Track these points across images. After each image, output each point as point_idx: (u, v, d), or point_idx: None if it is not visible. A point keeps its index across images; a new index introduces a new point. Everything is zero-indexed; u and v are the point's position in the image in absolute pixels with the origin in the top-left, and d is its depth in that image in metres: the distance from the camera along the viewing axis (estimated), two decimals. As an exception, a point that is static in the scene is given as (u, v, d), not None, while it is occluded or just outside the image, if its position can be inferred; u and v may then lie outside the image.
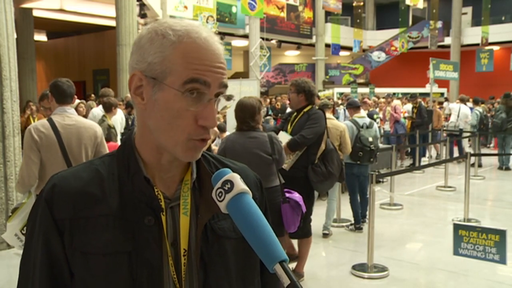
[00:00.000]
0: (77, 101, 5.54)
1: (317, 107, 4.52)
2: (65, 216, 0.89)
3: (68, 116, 3.37)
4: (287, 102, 10.54)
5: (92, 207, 0.90)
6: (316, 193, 5.63)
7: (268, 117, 10.11)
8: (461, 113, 11.88)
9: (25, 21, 14.23)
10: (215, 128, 5.85)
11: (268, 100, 14.41)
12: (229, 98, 0.94)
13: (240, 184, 0.84)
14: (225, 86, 0.92)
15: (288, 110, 5.94)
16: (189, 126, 0.89)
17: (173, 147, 0.90)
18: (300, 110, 4.34)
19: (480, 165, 11.01)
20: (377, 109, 11.75)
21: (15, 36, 5.17)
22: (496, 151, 12.62)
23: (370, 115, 10.44)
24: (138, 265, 0.89)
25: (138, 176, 0.93)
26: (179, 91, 0.87)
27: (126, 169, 0.94)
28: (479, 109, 11.94)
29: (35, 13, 14.82)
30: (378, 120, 10.41)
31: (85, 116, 6.33)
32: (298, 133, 4.19)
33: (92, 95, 13.27)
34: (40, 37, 20.83)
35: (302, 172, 4.18)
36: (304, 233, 4.23)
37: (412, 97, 11.65)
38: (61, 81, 3.44)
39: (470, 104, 13.45)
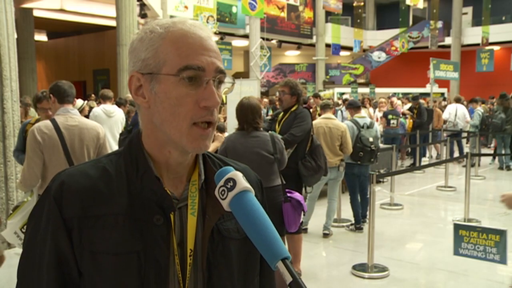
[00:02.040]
0: (80, 101, 5.53)
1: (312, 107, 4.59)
2: (73, 214, 0.89)
3: (71, 116, 3.38)
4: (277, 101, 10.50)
5: (100, 206, 0.90)
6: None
7: (268, 117, 10.09)
8: (459, 113, 11.86)
9: (26, 21, 14.24)
10: (220, 134, 5.86)
11: (268, 100, 14.36)
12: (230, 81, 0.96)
13: (242, 182, 0.84)
14: (222, 72, 0.93)
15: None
16: (190, 111, 0.89)
17: (180, 139, 0.90)
18: (287, 110, 4.49)
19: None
20: (377, 109, 11.66)
21: (15, 36, 5.17)
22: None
23: (396, 114, 10.44)
24: (147, 264, 0.89)
25: (148, 174, 0.93)
26: (176, 77, 0.89)
27: (135, 168, 0.94)
28: (480, 109, 11.92)
29: (35, 13, 14.83)
30: (395, 121, 10.38)
31: (87, 116, 6.34)
32: (286, 132, 4.33)
33: (93, 95, 13.30)
34: (40, 37, 20.84)
35: (292, 169, 4.24)
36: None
37: (414, 99, 11.55)
38: (61, 82, 3.51)
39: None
